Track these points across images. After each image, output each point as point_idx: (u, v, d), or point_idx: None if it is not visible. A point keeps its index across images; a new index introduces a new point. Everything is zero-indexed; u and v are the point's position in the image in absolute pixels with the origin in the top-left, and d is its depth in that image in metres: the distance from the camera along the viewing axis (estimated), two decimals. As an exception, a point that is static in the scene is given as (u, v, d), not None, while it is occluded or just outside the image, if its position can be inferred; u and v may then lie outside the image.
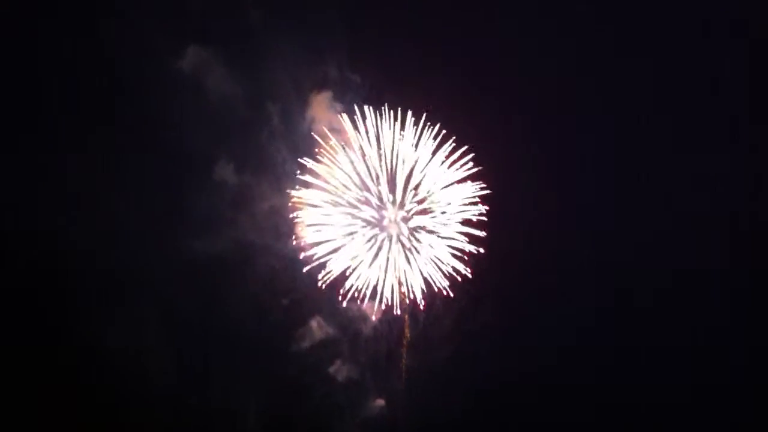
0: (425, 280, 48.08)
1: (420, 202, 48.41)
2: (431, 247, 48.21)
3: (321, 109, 48.36)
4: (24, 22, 47.33)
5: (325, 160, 47.70)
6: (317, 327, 49.13)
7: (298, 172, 47.33)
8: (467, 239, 48.37)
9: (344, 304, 47.69)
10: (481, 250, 48.17)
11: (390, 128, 47.50)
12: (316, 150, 47.48)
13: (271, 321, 48.33)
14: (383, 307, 47.78)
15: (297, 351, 48.89)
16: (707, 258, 49.33)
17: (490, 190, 48.66)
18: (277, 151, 47.90)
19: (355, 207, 47.71)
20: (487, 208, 48.45)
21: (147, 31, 46.50)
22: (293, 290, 48.17)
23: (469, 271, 48.20)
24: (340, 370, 49.64)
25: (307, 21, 48.39)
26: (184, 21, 47.43)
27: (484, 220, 48.56)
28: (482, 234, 48.29)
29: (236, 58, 47.76)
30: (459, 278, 48.25)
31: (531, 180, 50.73)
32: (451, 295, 48.22)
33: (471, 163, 48.76)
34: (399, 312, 48.30)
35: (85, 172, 47.09)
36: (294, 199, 47.42)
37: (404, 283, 47.83)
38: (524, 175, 50.65)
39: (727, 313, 48.97)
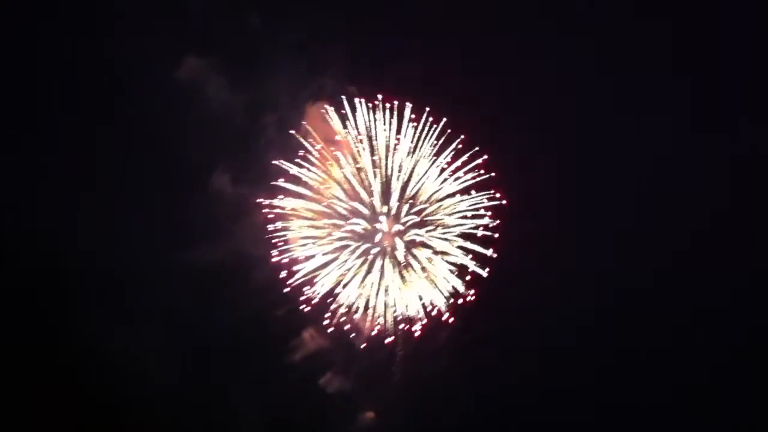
0: (422, 301, 45.98)
1: (418, 213, 45.97)
2: (431, 264, 45.87)
3: (318, 120, 46.09)
4: (24, 26, 46.65)
5: (313, 168, 45.75)
6: (309, 338, 47.16)
7: (282, 180, 45.47)
8: (472, 257, 45.96)
9: (330, 329, 45.93)
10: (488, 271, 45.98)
11: (384, 124, 45.13)
12: (301, 154, 45.65)
13: (264, 331, 46.76)
14: (373, 333, 46.07)
15: (288, 362, 47.38)
16: (707, 258, 47.85)
17: (504, 201, 46.00)
18: (272, 162, 46.12)
19: (346, 218, 45.53)
20: (498, 221, 45.98)
21: (146, 39, 45.72)
22: (288, 301, 46.14)
23: (472, 294, 45.98)
24: (331, 382, 47.87)
25: (307, 31, 46.83)
26: (182, 30, 46.49)
27: (493, 235, 46.27)
28: (491, 253, 46.00)
29: (233, 68, 46.70)
30: (461, 301, 46.08)
31: (548, 188, 48.67)
32: (451, 320, 46.12)
33: (481, 169, 46.29)
34: (392, 339, 46.43)
35: (83, 178, 46.59)
36: (276, 210, 45.60)
37: (396, 309, 45.82)
38: (542, 182, 48.59)
39: (728, 313, 47.59)
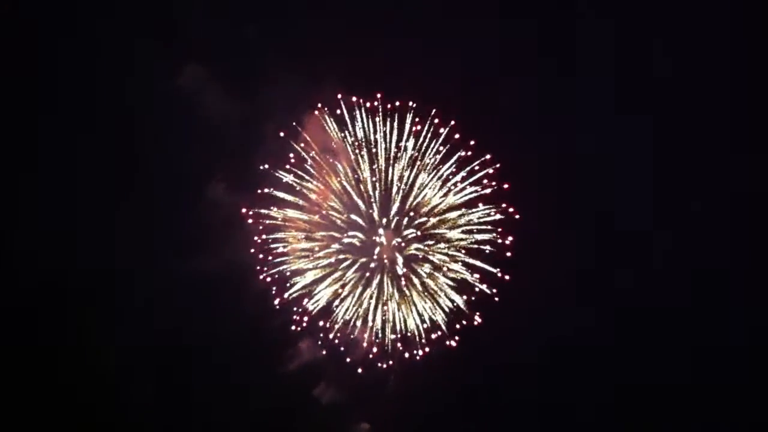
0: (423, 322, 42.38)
1: (419, 227, 41.99)
2: (432, 281, 42.20)
3: (317, 127, 42.36)
4: (24, 31, 45.24)
5: (310, 178, 42.44)
6: (303, 351, 44.41)
7: (278, 190, 42.44)
8: (479, 277, 42.13)
9: (324, 352, 43.35)
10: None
11: (386, 127, 41.17)
12: (298, 164, 42.37)
13: (259, 341, 44.44)
14: (369, 350, 42.88)
15: (283, 372, 44.89)
16: (708, 258, 45.03)
17: (518, 214, 41.85)
18: (269, 171, 42.95)
19: (343, 230, 42.11)
20: (511, 238, 41.85)
21: (143, 47, 44.23)
22: (282, 314, 43.46)
23: (478, 318, 42.33)
24: (325, 392, 45.07)
25: (304, 39, 44.16)
26: (180, 39, 44.38)
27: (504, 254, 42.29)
28: (499, 272, 42.22)
29: (230, 76, 43.99)
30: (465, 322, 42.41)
31: (564, 199, 44.39)
32: (454, 344, 42.47)
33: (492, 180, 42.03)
34: (389, 357, 43.04)
35: (78, 185, 45.51)
36: (271, 222, 42.63)
37: (395, 326, 42.39)
38: (559, 193, 44.46)
39: (728, 313, 45.02)
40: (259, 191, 42.49)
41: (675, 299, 44.86)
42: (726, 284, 44.64)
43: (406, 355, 42.63)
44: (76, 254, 44.86)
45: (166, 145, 44.41)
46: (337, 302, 42.41)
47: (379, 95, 41.08)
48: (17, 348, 44.33)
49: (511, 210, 41.91)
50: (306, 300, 42.55)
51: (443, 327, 42.57)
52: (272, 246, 42.60)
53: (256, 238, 42.69)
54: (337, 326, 42.55)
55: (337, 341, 42.64)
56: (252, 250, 42.79)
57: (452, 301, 42.32)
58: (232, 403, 45.29)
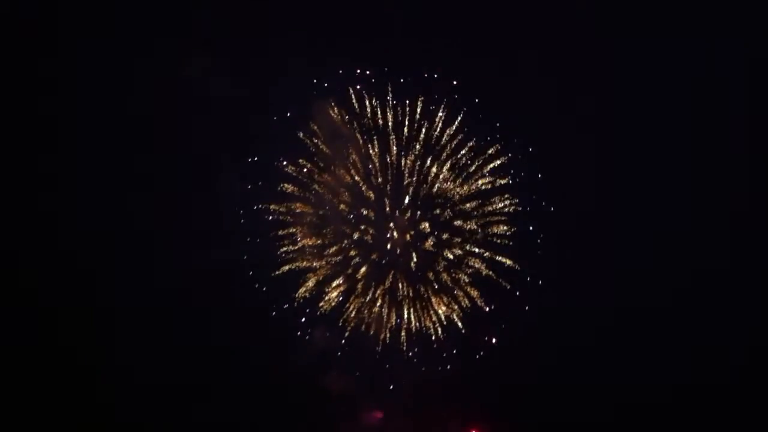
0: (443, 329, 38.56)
1: (436, 219, 37.78)
2: (450, 279, 38.13)
3: (327, 113, 38.48)
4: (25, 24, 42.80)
5: (318, 169, 38.72)
6: (318, 338, 40.98)
7: (285, 183, 38.85)
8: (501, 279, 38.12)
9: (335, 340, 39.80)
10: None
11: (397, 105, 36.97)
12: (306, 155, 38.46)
13: (270, 332, 41.55)
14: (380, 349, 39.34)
15: (295, 361, 41.71)
16: (708, 258, 42.64)
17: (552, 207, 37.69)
18: (278, 161, 39.69)
19: (353, 224, 38.24)
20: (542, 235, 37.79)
21: (149, 36, 41.27)
22: (295, 301, 40.20)
23: (503, 322, 38.43)
24: (337, 381, 41.75)
25: (313, 25, 40.02)
26: (188, 27, 41.39)
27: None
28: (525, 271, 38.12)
29: (237, 65, 40.70)
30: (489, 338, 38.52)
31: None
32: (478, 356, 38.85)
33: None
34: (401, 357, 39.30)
35: (84, 176, 43.10)
36: (279, 217, 39.16)
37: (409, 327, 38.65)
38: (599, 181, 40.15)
39: (727, 313, 42.90)
40: (259, 185, 39.34)
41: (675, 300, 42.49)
42: (726, 284, 42.36)
43: (423, 368, 39.34)
44: (76, 251, 42.62)
45: (168, 139, 41.72)
46: (347, 303, 39.15)
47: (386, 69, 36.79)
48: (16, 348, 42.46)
49: (544, 203, 37.74)
50: (311, 302, 39.51)
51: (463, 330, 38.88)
52: (277, 243, 39.42)
53: (272, 234, 39.61)
54: (347, 329, 39.30)
55: (347, 347, 39.56)
56: (253, 248, 39.84)
57: (473, 302, 38.45)
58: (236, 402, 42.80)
